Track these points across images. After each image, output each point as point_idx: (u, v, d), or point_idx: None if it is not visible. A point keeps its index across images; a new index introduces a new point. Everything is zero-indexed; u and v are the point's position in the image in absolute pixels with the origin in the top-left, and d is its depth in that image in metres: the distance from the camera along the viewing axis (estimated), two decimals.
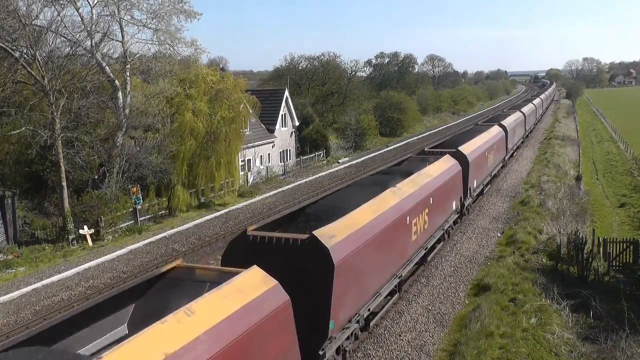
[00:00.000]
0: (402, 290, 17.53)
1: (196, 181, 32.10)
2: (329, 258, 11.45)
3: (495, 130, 35.77)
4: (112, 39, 28.85)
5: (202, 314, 8.14)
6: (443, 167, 22.17)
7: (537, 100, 77.16)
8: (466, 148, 26.28)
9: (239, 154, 35.37)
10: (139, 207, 29.01)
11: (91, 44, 27.34)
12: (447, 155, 23.74)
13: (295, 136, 48.83)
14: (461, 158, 24.56)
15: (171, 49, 29.95)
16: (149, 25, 29.32)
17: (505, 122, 40.04)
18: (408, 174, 19.49)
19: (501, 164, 37.93)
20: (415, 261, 18.22)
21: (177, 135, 30.29)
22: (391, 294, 16.32)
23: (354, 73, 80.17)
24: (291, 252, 11.77)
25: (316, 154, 49.61)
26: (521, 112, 53.25)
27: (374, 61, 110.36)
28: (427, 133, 73.23)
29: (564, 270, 19.24)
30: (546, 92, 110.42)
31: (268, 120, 43.50)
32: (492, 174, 34.15)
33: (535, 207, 27.96)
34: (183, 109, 30.52)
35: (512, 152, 43.97)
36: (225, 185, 33.89)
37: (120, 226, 27.60)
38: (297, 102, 54.35)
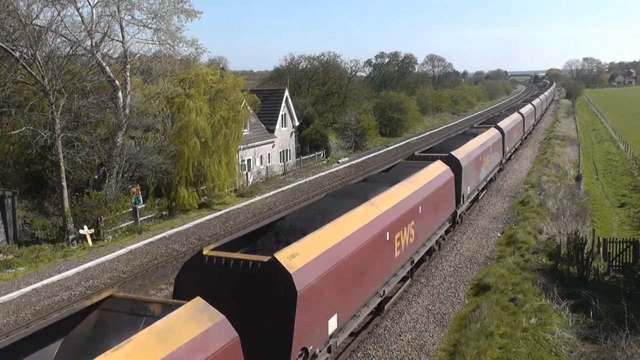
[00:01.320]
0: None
1: (197, 181, 32.14)
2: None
3: (437, 170, 21.63)
4: (113, 39, 28.88)
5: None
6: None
7: (527, 108, 59.66)
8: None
9: (239, 154, 35.39)
10: (139, 207, 29.02)
11: (91, 44, 27.34)
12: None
13: (295, 136, 48.82)
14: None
15: (171, 48, 29.98)
16: (149, 25, 29.33)
17: (458, 154, 24.97)
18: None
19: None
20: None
21: (180, 135, 30.29)
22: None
23: (354, 73, 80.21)
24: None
25: (316, 154, 49.61)
26: (498, 127, 37.29)
27: (374, 61, 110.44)
28: (427, 133, 73.25)
29: (564, 270, 19.24)
30: (540, 97, 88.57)
31: (268, 120, 43.50)
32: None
33: (535, 207, 27.96)
34: (186, 109, 30.53)
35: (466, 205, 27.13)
36: (226, 184, 33.89)
37: (120, 226, 27.60)
38: (297, 102, 54.37)
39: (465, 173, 24.58)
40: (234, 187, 34.77)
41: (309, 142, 50.92)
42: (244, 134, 36.05)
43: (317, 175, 42.38)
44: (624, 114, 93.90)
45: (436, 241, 21.39)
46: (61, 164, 25.43)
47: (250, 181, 38.44)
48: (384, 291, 15.35)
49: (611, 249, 20.22)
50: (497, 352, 13.64)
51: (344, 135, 57.24)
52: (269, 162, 42.54)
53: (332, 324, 12.25)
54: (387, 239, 15.13)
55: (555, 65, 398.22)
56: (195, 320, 8.11)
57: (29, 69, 25.05)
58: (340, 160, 49.60)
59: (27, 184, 28.80)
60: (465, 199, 25.44)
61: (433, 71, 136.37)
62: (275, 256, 10.50)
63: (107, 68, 28.04)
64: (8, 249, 24.09)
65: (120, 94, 28.50)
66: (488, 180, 32.66)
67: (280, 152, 45.03)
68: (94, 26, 27.32)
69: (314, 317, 11.22)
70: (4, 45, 24.36)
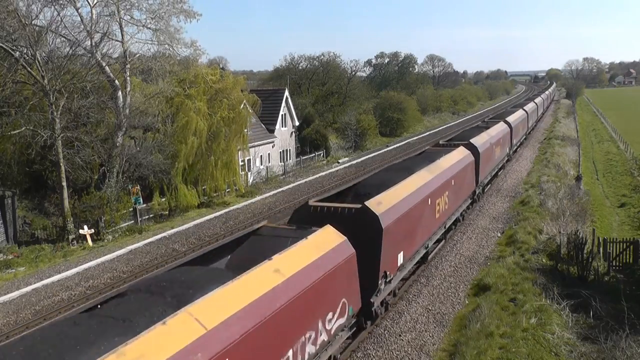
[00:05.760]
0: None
1: (197, 181, 32.12)
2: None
3: (321, 248, 13.41)
4: (112, 39, 28.88)
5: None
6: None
7: (516, 115, 49.00)
8: None
9: (239, 154, 35.36)
10: (139, 207, 29.01)
11: (91, 44, 27.34)
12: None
13: (295, 136, 48.83)
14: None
15: (170, 49, 29.97)
16: (149, 26, 29.33)
17: (377, 206, 15.04)
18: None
19: None
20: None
21: (179, 135, 30.26)
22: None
23: (354, 73, 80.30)
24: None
25: (316, 154, 49.62)
26: (470, 146, 28.37)
27: (374, 61, 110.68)
28: (427, 133, 73.25)
29: (564, 270, 19.23)
30: (535, 101, 74.95)
31: (268, 120, 43.51)
32: None
33: (535, 207, 27.94)
34: (186, 109, 30.49)
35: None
36: (226, 184, 33.86)
37: (121, 226, 27.60)
38: (297, 102, 54.38)
39: (388, 238, 14.30)
40: (234, 187, 34.75)
41: (309, 142, 50.93)
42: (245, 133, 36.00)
43: (317, 175, 42.40)
44: (624, 114, 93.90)
45: None
46: (61, 164, 25.43)
47: (250, 181, 38.43)
48: None
49: (611, 249, 20.21)
50: (497, 352, 13.64)
51: (344, 135, 57.25)
52: (269, 162, 42.54)
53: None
54: None
55: (555, 65, 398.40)
56: None
57: (28, 69, 25.04)
58: (340, 160, 49.60)
59: (27, 184, 28.81)
60: (389, 279, 15.11)
61: (433, 71, 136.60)
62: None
63: (106, 68, 28.04)
64: (8, 249, 24.09)
65: (120, 94, 28.50)
66: (448, 227, 22.45)
67: (280, 152, 45.03)
68: (93, 26, 27.32)
69: None
70: (4, 45, 24.36)
